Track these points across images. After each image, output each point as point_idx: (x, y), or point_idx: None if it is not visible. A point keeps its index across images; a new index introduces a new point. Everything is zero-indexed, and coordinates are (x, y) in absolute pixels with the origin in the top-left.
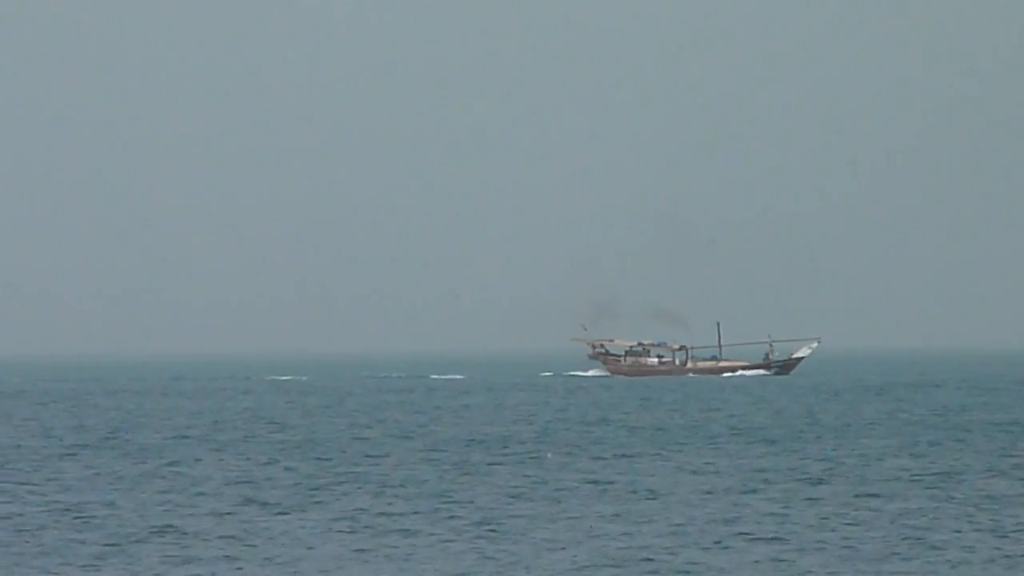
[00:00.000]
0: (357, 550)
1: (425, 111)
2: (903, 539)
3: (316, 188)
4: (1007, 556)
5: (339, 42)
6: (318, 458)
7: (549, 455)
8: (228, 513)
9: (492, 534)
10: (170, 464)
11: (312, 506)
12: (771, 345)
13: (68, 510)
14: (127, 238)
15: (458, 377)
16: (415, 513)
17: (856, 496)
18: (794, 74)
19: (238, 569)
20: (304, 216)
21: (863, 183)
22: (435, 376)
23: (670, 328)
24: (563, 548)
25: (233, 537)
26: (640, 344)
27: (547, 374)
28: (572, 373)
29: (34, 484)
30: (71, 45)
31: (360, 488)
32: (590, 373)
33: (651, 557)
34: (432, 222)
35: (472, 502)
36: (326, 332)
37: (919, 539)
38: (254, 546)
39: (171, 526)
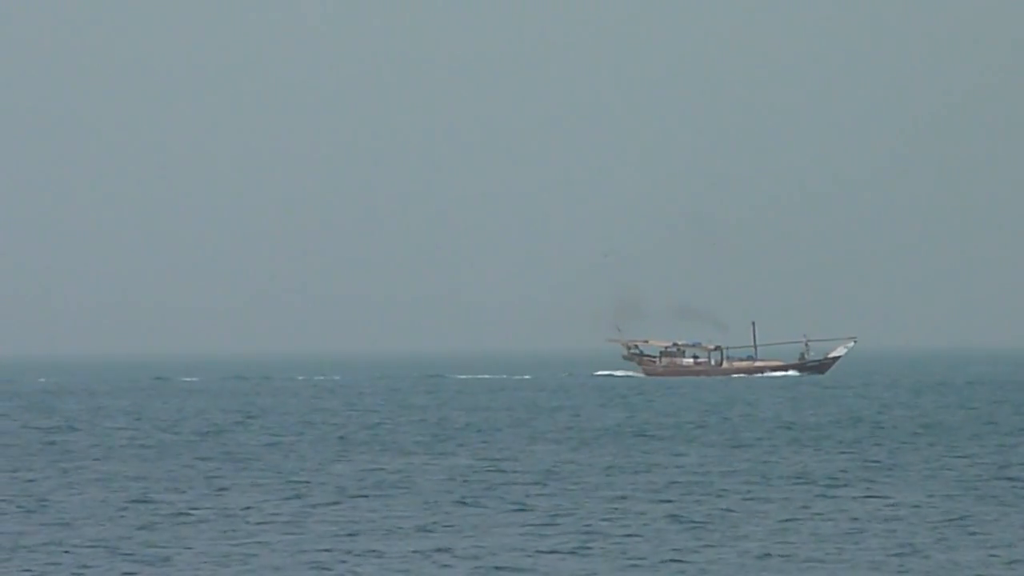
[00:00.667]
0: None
1: (449, 108)
2: None
3: (334, 186)
4: None
5: (361, 40)
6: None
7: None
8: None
9: None
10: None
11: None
12: (807, 345)
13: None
14: (133, 240)
15: (527, 377)
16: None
17: None
18: (827, 68)
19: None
20: (325, 216)
21: (899, 181)
22: (506, 376)
23: (700, 327)
24: None
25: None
26: (675, 345)
27: (602, 373)
28: (606, 373)
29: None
30: (71, 45)
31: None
32: (619, 373)
33: None
34: (448, 221)
35: None
36: (332, 333)
37: None
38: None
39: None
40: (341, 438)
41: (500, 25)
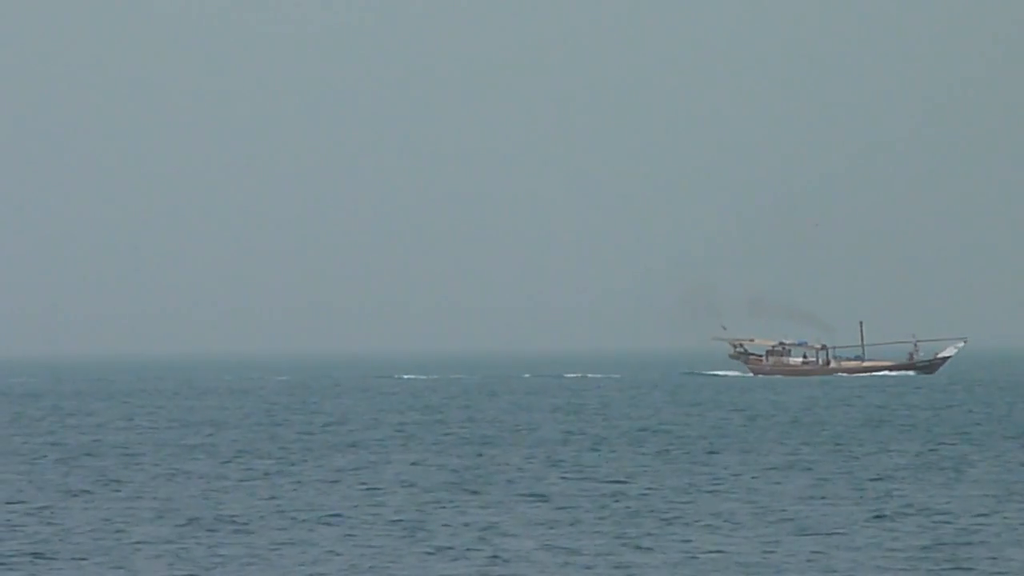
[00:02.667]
0: None
1: (513, 108)
2: None
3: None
4: None
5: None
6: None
7: None
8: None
9: None
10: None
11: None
12: (916, 345)
13: None
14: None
15: (615, 376)
16: None
17: None
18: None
19: None
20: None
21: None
22: (591, 375)
23: (806, 327)
24: None
25: None
26: (781, 344)
27: (708, 372)
28: (712, 372)
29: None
30: (72, 45)
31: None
32: (721, 372)
33: None
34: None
35: None
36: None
37: None
38: None
39: None
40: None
41: (581, 23)
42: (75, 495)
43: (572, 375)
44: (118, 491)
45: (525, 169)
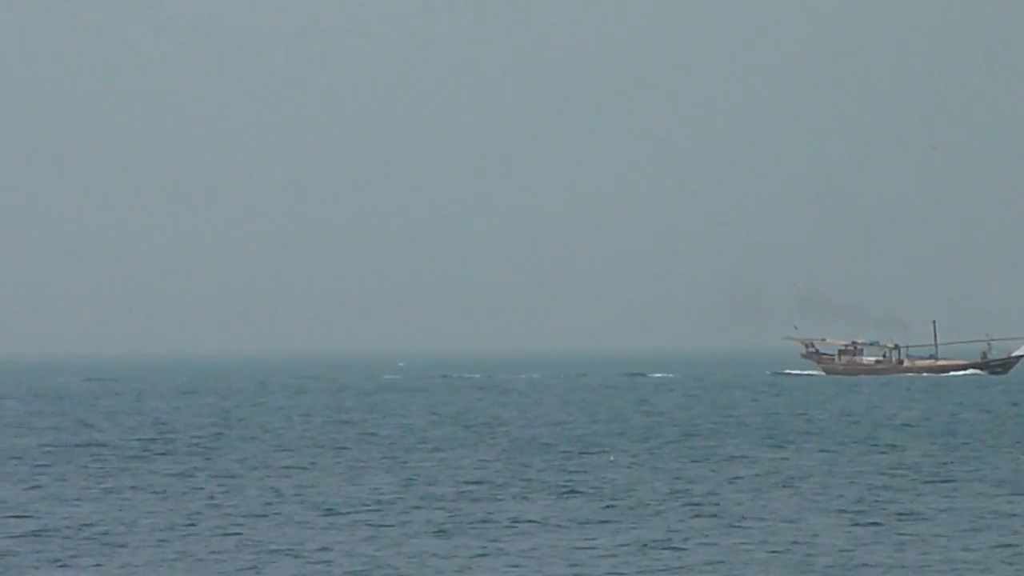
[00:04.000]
0: None
1: (555, 104)
2: None
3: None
4: None
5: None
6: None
7: None
8: None
9: None
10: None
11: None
12: (989, 344)
13: None
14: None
15: (670, 376)
16: None
17: None
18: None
19: None
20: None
21: None
22: (657, 374)
23: (881, 326)
24: None
25: None
26: (853, 343)
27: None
28: (788, 371)
29: None
30: (72, 45)
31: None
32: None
33: None
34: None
35: None
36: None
37: None
38: None
39: None
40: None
41: (621, 11)
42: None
43: (658, 375)
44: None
45: (564, 168)
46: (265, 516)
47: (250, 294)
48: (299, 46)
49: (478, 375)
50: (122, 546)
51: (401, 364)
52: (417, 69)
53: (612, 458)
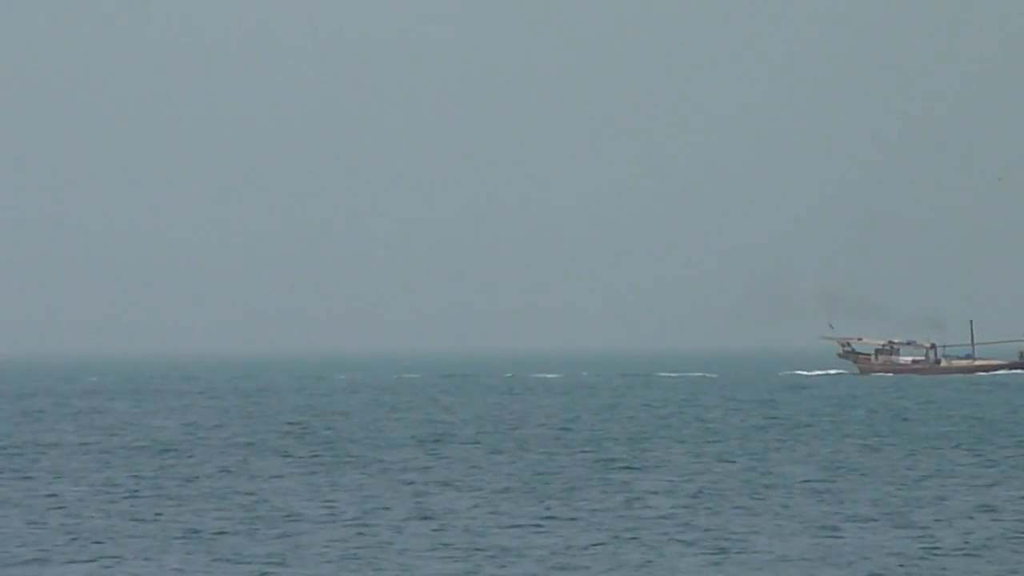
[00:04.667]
0: None
1: (578, 103)
2: None
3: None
4: None
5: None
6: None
7: None
8: None
9: None
10: None
11: None
12: None
13: None
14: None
15: (712, 375)
16: None
17: None
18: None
19: None
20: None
21: None
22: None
23: (919, 326)
24: None
25: None
26: (889, 343)
27: (811, 373)
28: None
29: None
30: (72, 47)
31: None
32: (821, 372)
33: None
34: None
35: None
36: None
37: None
38: None
39: None
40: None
41: (652, 15)
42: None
43: (697, 373)
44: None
45: (586, 165)
46: None
47: (256, 295)
48: (313, 47)
49: (554, 375)
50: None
51: (508, 375)
52: (433, 69)
53: None
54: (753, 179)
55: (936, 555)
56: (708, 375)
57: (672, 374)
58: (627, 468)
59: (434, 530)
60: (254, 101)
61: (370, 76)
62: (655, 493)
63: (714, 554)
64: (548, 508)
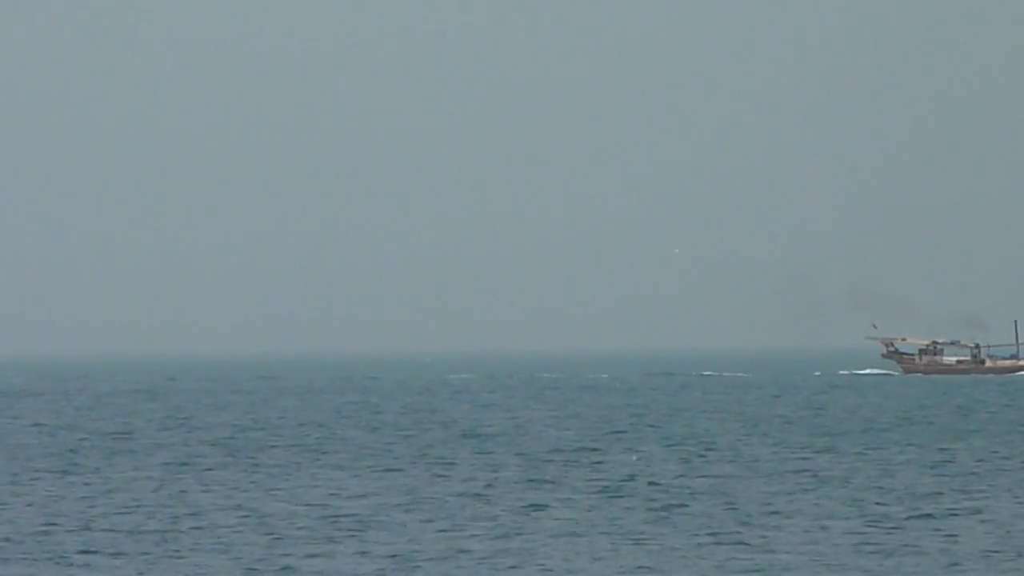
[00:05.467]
0: None
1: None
2: None
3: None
4: None
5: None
6: None
7: None
8: None
9: None
10: None
11: None
12: None
13: None
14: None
15: (744, 375)
16: None
17: None
18: None
19: None
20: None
21: None
22: (727, 373)
23: (962, 326)
24: None
25: None
26: (933, 343)
27: (844, 372)
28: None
29: None
30: (73, 44)
31: None
32: (866, 371)
33: None
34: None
35: None
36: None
37: None
38: None
39: None
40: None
41: (678, 15)
42: None
43: (739, 374)
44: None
45: (614, 165)
46: None
47: (261, 295)
48: (323, 52)
49: (606, 375)
50: None
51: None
52: (454, 69)
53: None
54: (782, 177)
55: None
56: (741, 375)
57: (708, 372)
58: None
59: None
60: (270, 105)
61: (389, 79)
62: None
63: None
64: None
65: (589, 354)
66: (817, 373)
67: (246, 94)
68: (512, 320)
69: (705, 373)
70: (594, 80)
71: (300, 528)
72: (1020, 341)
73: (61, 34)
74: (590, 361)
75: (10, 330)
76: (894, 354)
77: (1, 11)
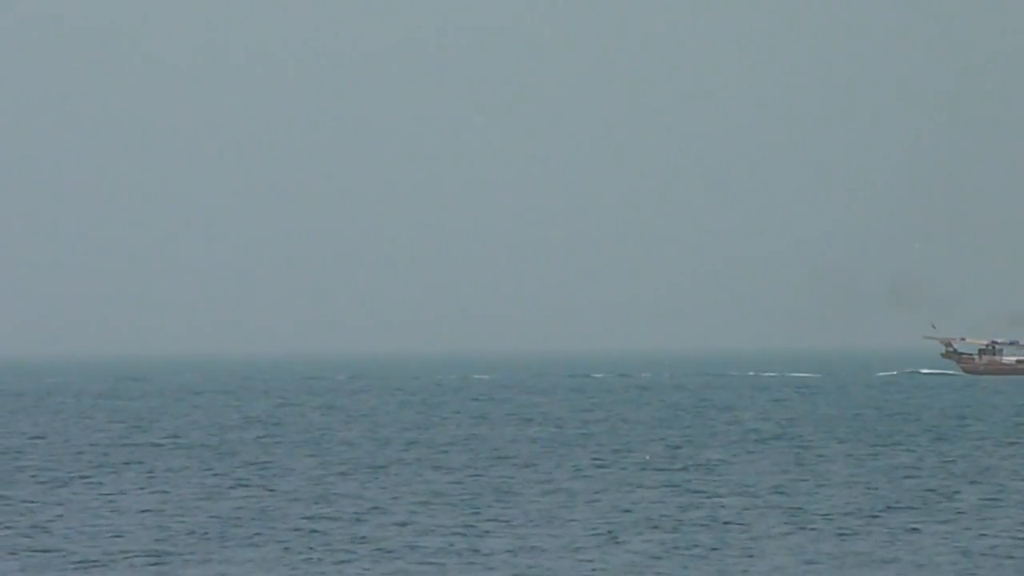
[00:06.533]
0: None
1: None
2: None
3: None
4: None
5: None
6: None
7: None
8: None
9: None
10: None
11: None
12: None
13: None
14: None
15: (809, 375)
16: None
17: None
18: None
19: None
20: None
21: None
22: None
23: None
24: None
25: None
26: (992, 343)
27: (888, 373)
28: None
29: None
30: (73, 46)
31: None
32: (925, 371)
33: None
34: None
35: None
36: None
37: None
38: None
39: None
40: None
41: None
42: None
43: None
44: None
45: (646, 162)
46: None
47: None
48: (323, 52)
49: (648, 374)
50: None
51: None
52: (457, 70)
53: None
54: (818, 171)
55: None
56: (806, 375)
57: (751, 373)
58: None
59: None
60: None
61: (389, 79)
62: None
63: None
64: None
65: (619, 354)
66: (880, 373)
67: (246, 94)
68: (530, 320)
69: (765, 374)
70: (626, 76)
71: None
72: None
73: (61, 35)
74: (630, 361)
75: None
76: (953, 354)
77: (1, 12)
